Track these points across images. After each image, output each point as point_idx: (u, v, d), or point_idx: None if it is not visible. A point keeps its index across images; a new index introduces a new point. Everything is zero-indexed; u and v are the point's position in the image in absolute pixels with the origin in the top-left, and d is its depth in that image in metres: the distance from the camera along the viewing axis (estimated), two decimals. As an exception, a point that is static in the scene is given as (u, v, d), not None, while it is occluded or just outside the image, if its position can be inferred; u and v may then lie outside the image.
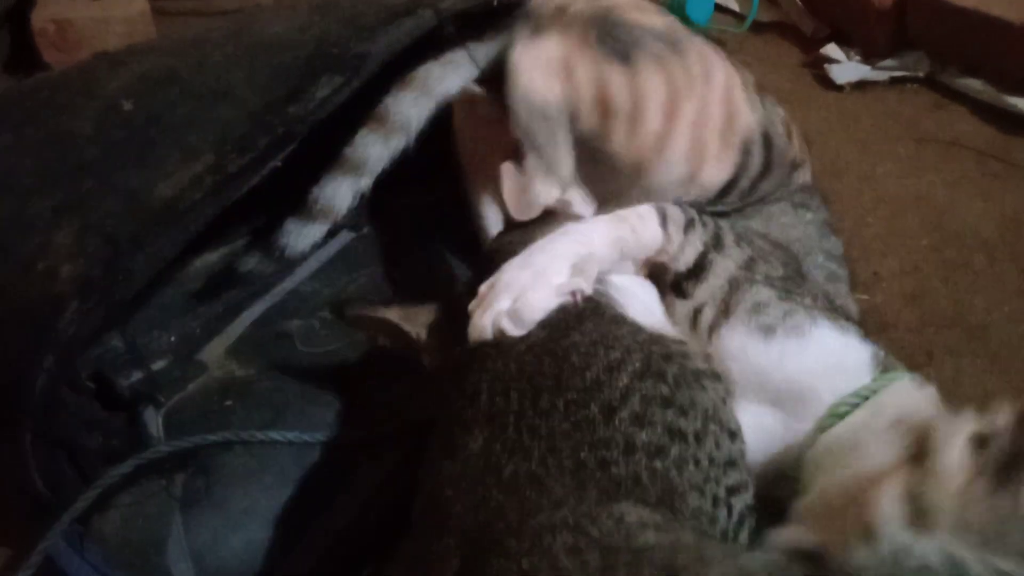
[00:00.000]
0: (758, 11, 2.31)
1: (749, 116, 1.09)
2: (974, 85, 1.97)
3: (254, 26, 1.28)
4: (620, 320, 0.89)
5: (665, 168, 1.05)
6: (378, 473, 1.03)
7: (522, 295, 0.87)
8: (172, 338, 1.13)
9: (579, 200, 1.04)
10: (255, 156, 1.05)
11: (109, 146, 1.10)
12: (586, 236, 0.95)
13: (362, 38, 1.13)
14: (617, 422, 0.77)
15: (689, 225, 1.00)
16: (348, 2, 1.30)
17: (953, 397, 1.19)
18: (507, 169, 1.04)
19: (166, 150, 1.07)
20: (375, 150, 1.11)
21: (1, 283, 1.02)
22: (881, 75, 2.08)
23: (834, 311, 0.98)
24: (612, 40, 1.04)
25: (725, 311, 0.94)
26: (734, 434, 0.85)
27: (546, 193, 1.01)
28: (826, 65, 2.13)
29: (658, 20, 1.11)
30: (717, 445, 0.81)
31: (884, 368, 0.92)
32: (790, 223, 1.13)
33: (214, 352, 1.12)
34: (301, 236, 1.12)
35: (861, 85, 2.09)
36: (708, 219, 1.02)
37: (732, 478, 0.81)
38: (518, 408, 0.79)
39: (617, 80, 1.03)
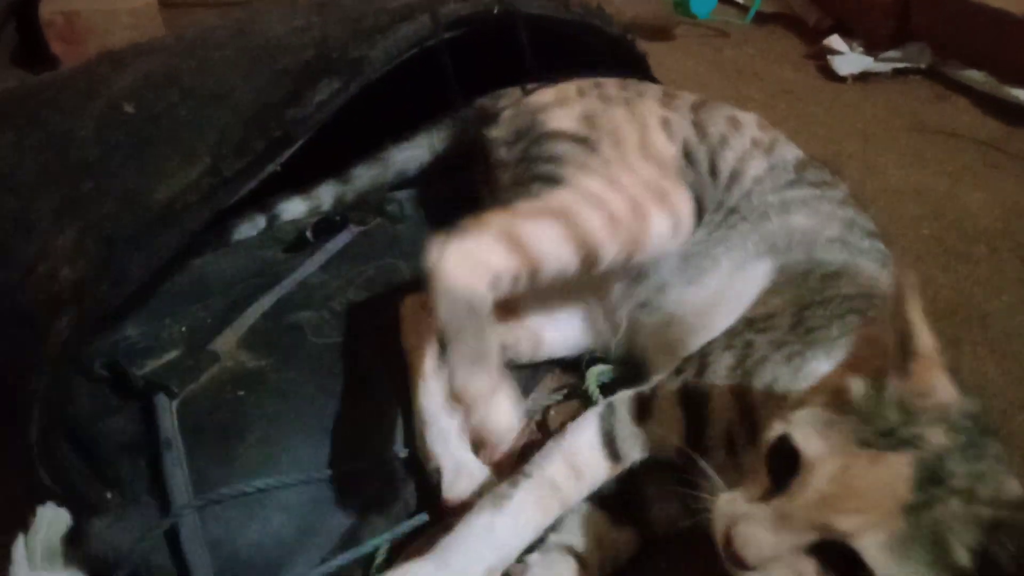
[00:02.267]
0: (761, 2, 2.33)
1: (669, 146, 1.15)
2: (975, 77, 1.99)
3: (255, 27, 1.28)
4: None
5: (657, 232, 1.09)
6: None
7: None
8: (183, 328, 1.14)
9: (505, 403, 0.94)
10: (252, 159, 1.05)
11: (109, 147, 1.10)
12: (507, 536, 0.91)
13: (360, 42, 1.13)
14: None
15: (644, 406, 0.97)
16: (348, 2, 1.31)
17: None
18: None
19: (165, 152, 1.07)
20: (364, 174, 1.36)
21: (3, 284, 1.03)
22: (884, 67, 2.10)
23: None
24: (538, 181, 1.11)
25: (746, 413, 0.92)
26: None
27: (476, 384, 0.92)
28: (829, 56, 2.14)
29: (575, 113, 1.18)
30: None
31: None
32: (830, 212, 1.14)
33: (226, 343, 1.12)
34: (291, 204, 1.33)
35: (864, 76, 2.11)
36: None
37: None
38: None
39: (564, 198, 1.06)
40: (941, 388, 0.76)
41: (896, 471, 0.72)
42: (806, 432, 0.76)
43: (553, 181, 1.10)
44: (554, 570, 0.95)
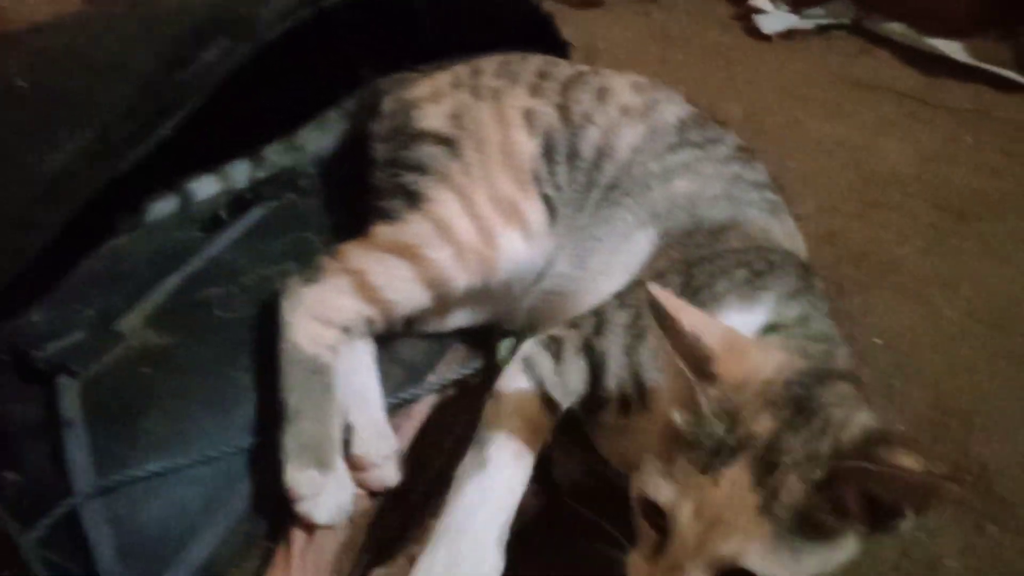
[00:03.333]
0: (687, -35, 2.32)
1: (528, 143, 1.16)
2: (897, 29, 2.01)
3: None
4: None
5: (508, 250, 1.12)
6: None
7: None
8: (91, 311, 1.13)
9: (331, 501, 0.99)
10: (142, 123, 1.05)
11: (5, 125, 1.09)
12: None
13: (252, 2, 1.13)
14: None
15: (556, 354, 0.98)
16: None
17: (862, 329, 1.24)
18: None
19: (55, 124, 1.06)
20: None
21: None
22: (808, 23, 2.11)
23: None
24: (399, 195, 1.15)
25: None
26: None
27: (303, 483, 0.97)
28: (754, 16, 2.15)
29: (445, 111, 1.19)
30: None
31: None
32: (714, 171, 1.14)
33: (132, 322, 1.10)
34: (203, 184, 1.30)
35: (789, 35, 2.11)
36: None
37: None
38: None
39: (414, 231, 1.11)
40: (759, 365, 0.77)
41: (735, 481, 0.74)
42: (655, 482, 0.77)
43: (412, 199, 1.14)
44: None
